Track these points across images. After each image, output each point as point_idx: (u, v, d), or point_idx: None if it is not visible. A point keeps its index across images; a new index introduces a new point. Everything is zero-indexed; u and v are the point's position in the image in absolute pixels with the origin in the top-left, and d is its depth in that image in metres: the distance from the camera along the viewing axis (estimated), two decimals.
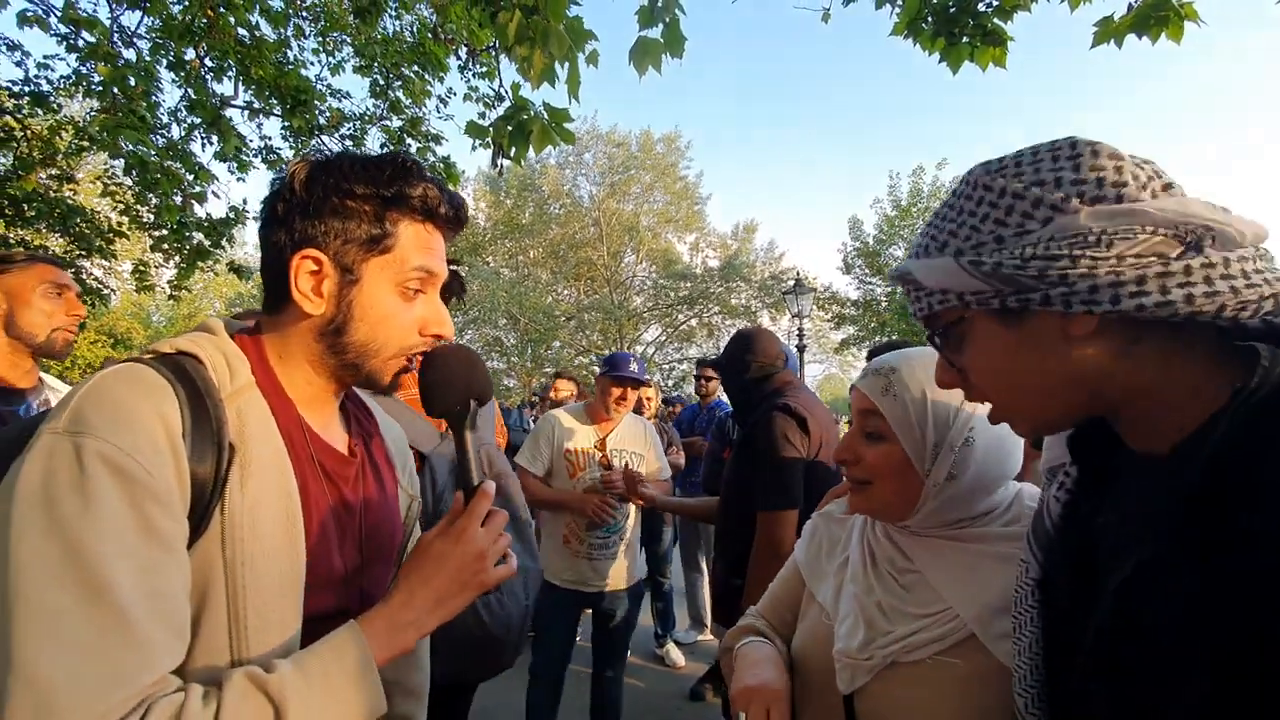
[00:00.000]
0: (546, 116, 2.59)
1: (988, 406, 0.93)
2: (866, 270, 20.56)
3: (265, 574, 0.70)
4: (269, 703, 0.64)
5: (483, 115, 5.21)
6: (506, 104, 2.72)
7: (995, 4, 2.54)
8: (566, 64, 2.36)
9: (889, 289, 19.50)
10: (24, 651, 0.54)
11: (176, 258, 5.96)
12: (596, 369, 2.92)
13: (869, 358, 2.13)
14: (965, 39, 2.58)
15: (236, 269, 6.42)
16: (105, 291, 7.24)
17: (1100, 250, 0.50)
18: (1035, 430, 0.63)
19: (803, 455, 1.98)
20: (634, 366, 2.80)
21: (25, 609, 0.55)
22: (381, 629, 0.75)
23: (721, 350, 2.96)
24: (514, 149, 2.66)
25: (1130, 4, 2.31)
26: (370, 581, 0.87)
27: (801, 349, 12.47)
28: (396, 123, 6.24)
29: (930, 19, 2.63)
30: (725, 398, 4.70)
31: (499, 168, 2.86)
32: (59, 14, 4.35)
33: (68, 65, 4.86)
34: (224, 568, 0.68)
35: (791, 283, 12.99)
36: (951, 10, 2.58)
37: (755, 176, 45.20)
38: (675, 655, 4.34)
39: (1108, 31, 2.30)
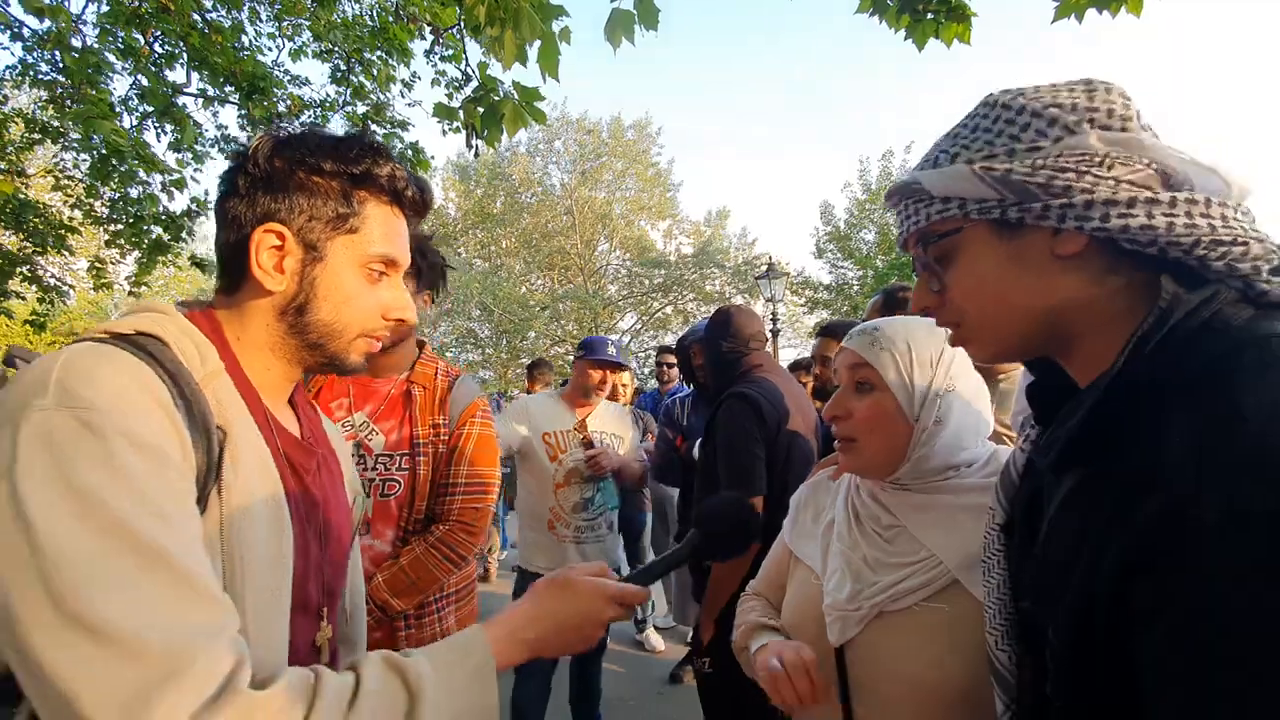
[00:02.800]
0: (517, 96, 2.54)
1: (962, 357, 0.98)
2: (838, 254, 20.72)
3: (262, 560, 0.69)
4: (405, 690, 0.63)
5: (450, 96, 5.10)
6: (474, 84, 2.67)
7: None
8: (538, 42, 2.32)
9: (860, 273, 19.71)
10: (99, 614, 0.51)
11: (136, 253, 5.77)
12: (573, 358, 2.88)
13: (889, 295, 2.12)
14: (929, 15, 2.58)
15: (199, 263, 6.23)
16: (64, 288, 7.00)
17: (1102, 170, 0.54)
18: (993, 355, 0.66)
19: (761, 441, 1.98)
20: (612, 349, 2.78)
21: (82, 587, 0.51)
22: (502, 636, 0.75)
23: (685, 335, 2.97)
24: (486, 132, 2.61)
25: None
26: (331, 575, 0.85)
27: (775, 333, 12.51)
28: (361, 109, 6.09)
29: None
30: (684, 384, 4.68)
31: (474, 149, 2.81)
32: (21, 3, 4.13)
33: (12, 55, 4.66)
34: (222, 552, 0.65)
35: (764, 268, 13.02)
36: None
37: (726, 163, 45.43)
38: (654, 640, 4.38)
39: (1069, 6, 2.32)
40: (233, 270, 0.78)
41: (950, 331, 0.68)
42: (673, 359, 4.82)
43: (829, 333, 2.89)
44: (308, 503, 0.81)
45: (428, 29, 5.19)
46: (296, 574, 0.74)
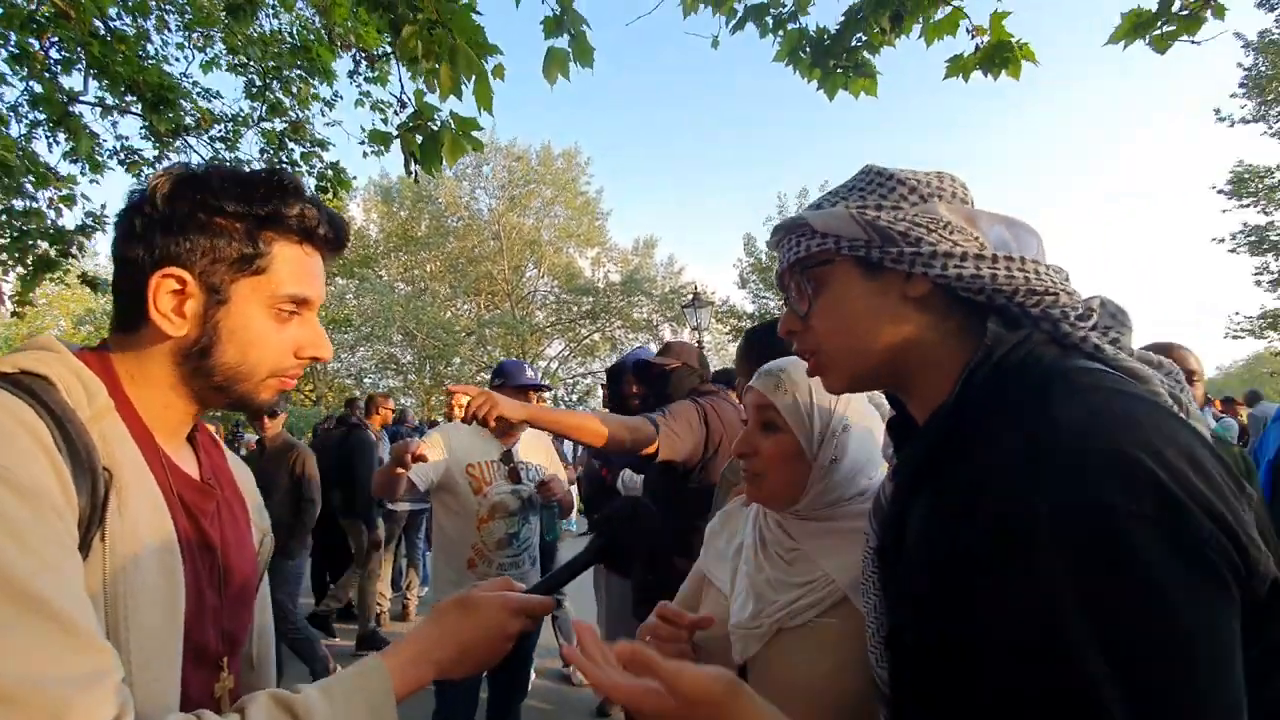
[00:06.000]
0: (454, 126, 2.56)
1: (858, 399, 1.08)
2: (760, 284, 21.48)
3: (148, 606, 0.65)
4: None
5: (385, 120, 5.02)
6: (409, 110, 2.66)
7: (864, 39, 2.77)
8: (474, 77, 2.36)
9: (781, 302, 20.46)
10: None
11: (19, 269, 5.30)
12: (490, 386, 2.77)
13: (748, 337, 2.25)
14: (839, 70, 2.79)
15: (90, 281, 5.74)
16: None
17: (945, 232, 0.66)
18: (845, 382, 0.75)
19: (697, 430, 2.08)
20: (530, 373, 2.72)
21: None
22: (406, 660, 0.74)
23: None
24: (425, 161, 2.60)
25: (977, 44, 2.60)
26: (231, 622, 0.82)
27: None
28: (278, 126, 5.88)
29: (808, 49, 2.83)
30: None
31: (413, 175, 2.77)
32: None
33: None
34: (104, 599, 0.62)
35: (690, 297, 13.33)
36: (826, 43, 2.79)
37: (654, 194, 46.56)
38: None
39: (957, 67, 2.57)
40: (129, 312, 0.74)
41: (810, 364, 0.77)
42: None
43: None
44: (203, 546, 0.77)
45: (354, 52, 5.11)
46: (190, 621, 0.71)
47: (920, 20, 2.59)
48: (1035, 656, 0.48)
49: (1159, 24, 2.45)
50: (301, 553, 4.04)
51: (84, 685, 0.53)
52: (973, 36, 2.58)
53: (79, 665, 0.54)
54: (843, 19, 2.70)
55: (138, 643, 0.64)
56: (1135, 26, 2.50)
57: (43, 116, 4.58)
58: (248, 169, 0.80)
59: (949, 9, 2.55)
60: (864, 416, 1.08)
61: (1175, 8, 2.38)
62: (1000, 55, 2.53)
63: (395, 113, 4.77)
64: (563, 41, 2.36)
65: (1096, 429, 0.50)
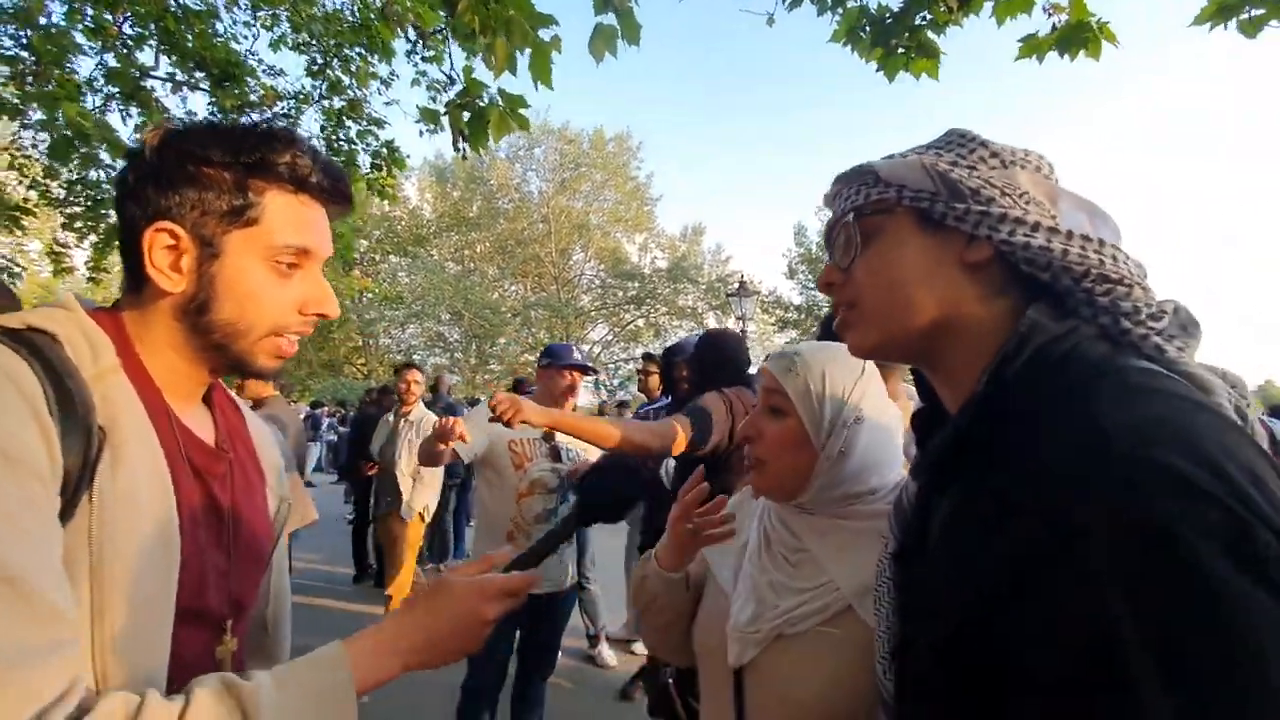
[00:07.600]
0: (502, 103, 2.55)
1: (877, 393, 1.02)
2: (810, 276, 21.09)
3: (138, 570, 0.64)
4: (239, 712, 0.59)
5: (434, 99, 5.07)
6: (458, 87, 2.66)
7: (929, 19, 2.64)
8: (528, 51, 2.35)
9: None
10: None
11: (92, 237, 5.58)
12: (538, 368, 2.85)
13: (826, 323, 2.17)
14: (900, 50, 2.67)
15: None
16: (15, 270, 6.75)
17: (1021, 201, 0.61)
18: (874, 342, 0.69)
19: (723, 423, 2.05)
20: (576, 355, 2.77)
21: None
22: (368, 651, 0.71)
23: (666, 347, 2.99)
24: (471, 137, 2.61)
25: (1054, 24, 2.44)
26: (238, 586, 0.81)
27: None
28: (337, 104, 6.01)
29: (868, 29, 2.71)
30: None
31: (460, 152, 2.79)
32: None
33: None
34: (89, 561, 0.61)
35: (736, 286, 13.18)
36: (888, 21, 2.67)
37: (704, 180, 46.20)
38: (606, 655, 4.31)
39: (1030, 47, 2.42)
40: (133, 270, 0.73)
41: (840, 317, 0.71)
42: (654, 368, 4.75)
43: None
44: (211, 509, 0.76)
45: (411, 30, 5.15)
46: (193, 583, 0.70)
47: None
48: (1081, 672, 0.43)
49: (1245, 7, 2.27)
50: None
51: (32, 657, 0.51)
52: (1049, 15, 2.42)
53: (30, 636, 0.52)
54: None
55: (123, 605, 0.62)
56: (1221, 9, 2.32)
57: (116, 90, 4.76)
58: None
59: None
60: (881, 413, 1.01)
61: None
62: (1079, 35, 2.37)
63: (443, 90, 4.82)
64: (610, 18, 2.31)
65: (1152, 438, 0.45)
